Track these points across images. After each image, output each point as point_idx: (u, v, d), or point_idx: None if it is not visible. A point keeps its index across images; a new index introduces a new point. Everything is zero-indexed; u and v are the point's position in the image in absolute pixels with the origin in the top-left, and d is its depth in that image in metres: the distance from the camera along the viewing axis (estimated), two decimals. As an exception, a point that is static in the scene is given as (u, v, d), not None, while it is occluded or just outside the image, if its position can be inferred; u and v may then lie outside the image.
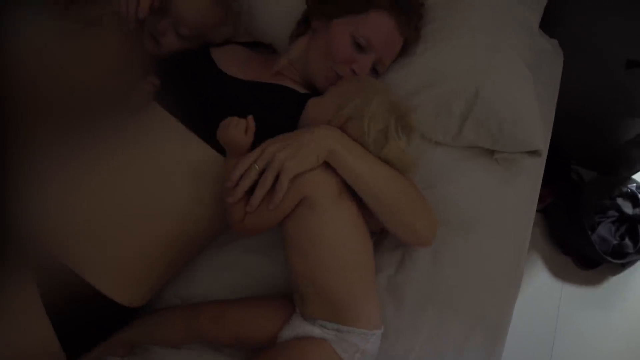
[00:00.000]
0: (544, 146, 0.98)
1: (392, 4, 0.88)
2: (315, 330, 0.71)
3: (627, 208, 1.54)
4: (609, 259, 1.46)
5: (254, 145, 0.75)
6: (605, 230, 1.49)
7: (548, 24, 1.17)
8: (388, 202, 0.75)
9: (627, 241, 1.49)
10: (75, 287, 0.73)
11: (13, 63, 0.85)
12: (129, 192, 0.77)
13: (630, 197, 1.56)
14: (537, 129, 0.96)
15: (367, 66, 0.89)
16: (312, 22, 0.96)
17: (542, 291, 1.50)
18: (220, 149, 0.79)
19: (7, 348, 0.69)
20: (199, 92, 0.84)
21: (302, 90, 0.90)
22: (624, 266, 1.54)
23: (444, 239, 0.89)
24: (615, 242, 1.48)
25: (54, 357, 0.71)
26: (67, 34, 0.90)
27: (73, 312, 0.73)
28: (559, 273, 1.53)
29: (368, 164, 0.75)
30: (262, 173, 0.71)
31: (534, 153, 0.98)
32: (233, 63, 0.90)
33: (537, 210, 1.60)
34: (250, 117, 0.76)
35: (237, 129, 0.74)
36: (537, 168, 1.02)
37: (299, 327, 0.73)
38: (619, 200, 1.55)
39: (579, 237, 1.48)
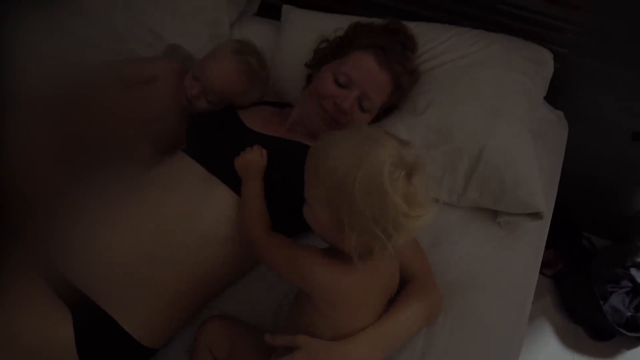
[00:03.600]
0: (546, 209, 1.00)
1: (370, 43, 0.98)
2: None
3: (642, 279, 1.51)
4: (623, 331, 1.42)
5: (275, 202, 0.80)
6: (617, 301, 1.45)
7: (555, 97, 1.23)
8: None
9: (641, 314, 1.45)
10: (102, 325, 0.76)
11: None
12: (155, 234, 0.81)
13: (645, 268, 1.54)
14: (538, 191, 0.99)
15: (349, 99, 0.94)
16: (312, 75, 1.07)
17: (552, 361, 1.45)
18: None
19: None
20: (223, 144, 0.92)
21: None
22: (639, 340, 1.49)
23: (445, 298, 0.89)
24: (628, 313, 1.44)
25: None
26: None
27: (94, 350, 0.75)
28: (570, 343, 1.48)
29: (394, 345, 0.75)
30: None
31: (536, 216, 1.01)
32: (256, 120, 0.99)
33: (548, 276, 1.60)
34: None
35: (253, 152, 0.84)
36: (540, 233, 1.04)
37: None
38: (633, 271, 1.52)
39: (589, 306, 1.45)
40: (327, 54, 1.03)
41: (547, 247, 1.06)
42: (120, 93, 1.04)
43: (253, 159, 0.84)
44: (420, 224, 0.63)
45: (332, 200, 0.63)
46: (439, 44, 1.11)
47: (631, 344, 1.48)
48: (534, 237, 1.03)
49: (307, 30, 1.21)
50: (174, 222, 0.82)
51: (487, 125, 1.00)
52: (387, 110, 1.07)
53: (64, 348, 0.72)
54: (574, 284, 1.53)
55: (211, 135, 0.95)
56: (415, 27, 1.11)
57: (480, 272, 0.96)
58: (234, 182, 0.85)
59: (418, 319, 0.77)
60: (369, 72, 0.96)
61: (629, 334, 1.42)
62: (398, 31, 1.04)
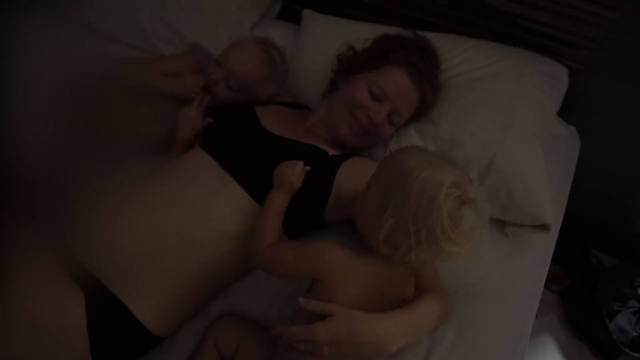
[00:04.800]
0: (553, 222, 1.01)
1: (405, 60, 0.99)
2: None
3: (649, 300, 1.49)
4: (628, 351, 1.41)
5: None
6: (624, 320, 1.44)
7: (568, 112, 1.24)
8: None
9: (648, 335, 1.43)
10: (113, 309, 0.77)
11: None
12: (170, 225, 0.83)
13: (653, 289, 1.52)
14: (546, 203, 1.00)
15: (382, 113, 0.97)
16: (337, 81, 1.09)
17: (554, 378, 1.44)
18: (253, 193, 0.87)
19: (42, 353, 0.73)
20: (238, 143, 0.94)
21: (330, 151, 0.98)
22: (644, 361, 1.47)
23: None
24: (634, 334, 1.43)
25: None
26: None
27: (103, 333, 0.76)
28: (573, 360, 1.48)
29: (411, 336, 0.75)
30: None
31: (544, 228, 1.01)
32: (273, 120, 1.01)
33: (554, 292, 1.59)
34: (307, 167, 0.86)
35: (295, 170, 0.84)
36: (546, 245, 1.04)
37: None
38: (641, 291, 1.51)
39: (595, 324, 1.44)
40: (357, 63, 1.04)
41: (554, 262, 1.06)
42: (139, 88, 1.07)
43: (291, 177, 0.83)
44: (451, 253, 0.66)
45: (390, 185, 0.70)
46: (456, 55, 1.12)
47: (636, 364, 1.46)
48: (541, 250, 1.03)
49: (327, 35, 1.23)
50: (188, 215, 0.84)
51: (498, 135, 1.01)
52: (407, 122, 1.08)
53: (76, 329, 0.74)
54: (580, 301, 1.52)
55: (227, 133, 0.98)
56: (433, 38, 1.12)
57: (484, 282, 0.96)
58: (246, 181, 0.87)
59: (433, 316, 0.79)
60: (403, 89, 0.99)
61: (633, 354, 1.41)
62: (431, 50, 1.07)
